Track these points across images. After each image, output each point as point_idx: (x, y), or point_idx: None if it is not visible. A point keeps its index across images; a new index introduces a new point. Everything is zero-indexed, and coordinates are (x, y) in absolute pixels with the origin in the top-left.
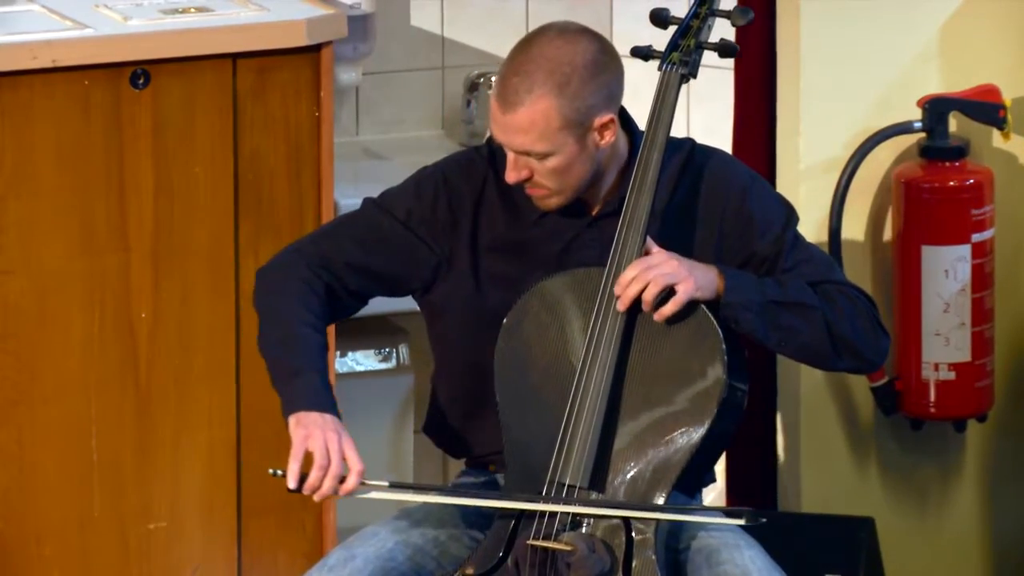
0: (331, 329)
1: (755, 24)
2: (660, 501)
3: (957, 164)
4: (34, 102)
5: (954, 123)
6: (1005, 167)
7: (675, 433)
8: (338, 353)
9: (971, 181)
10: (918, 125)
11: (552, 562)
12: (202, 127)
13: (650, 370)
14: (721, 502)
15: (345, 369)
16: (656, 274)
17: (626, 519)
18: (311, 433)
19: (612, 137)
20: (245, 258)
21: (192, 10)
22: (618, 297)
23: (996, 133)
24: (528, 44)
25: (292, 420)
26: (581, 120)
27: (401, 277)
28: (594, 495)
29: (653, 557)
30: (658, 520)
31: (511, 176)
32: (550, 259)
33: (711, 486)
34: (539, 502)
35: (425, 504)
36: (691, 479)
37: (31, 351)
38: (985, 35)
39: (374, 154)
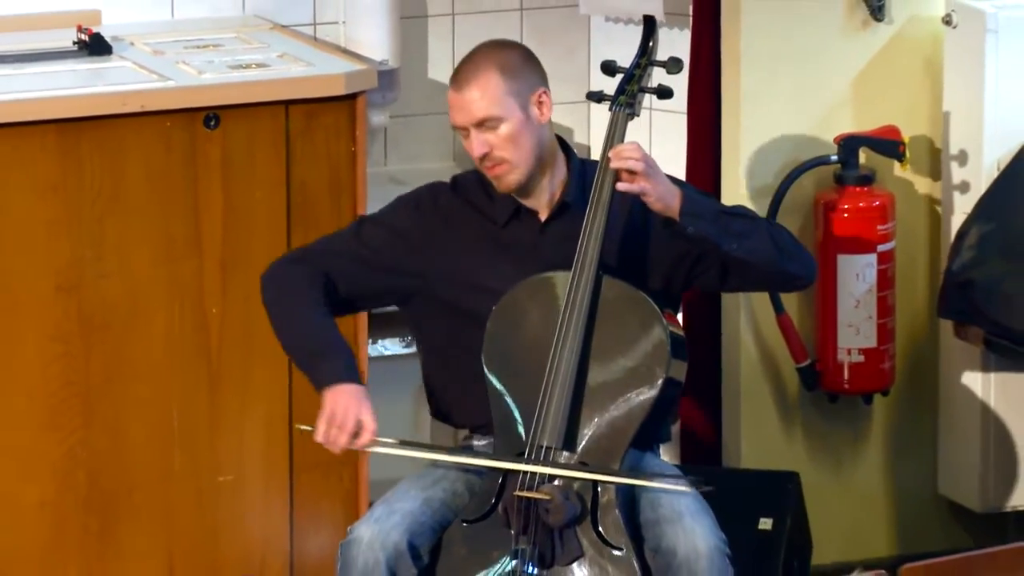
0: (364, 319)
1: (704, 75)
2: (620, 455)
3: (866, 189)
4: (126, 140)
5: (863, 156)
6: (904, 192)
7: (631, 397)
8: (370, 340)
9: (877, 203)
10: (834, 158)
11: (534, 508)
12: (261, 160)
13: (609, 351)
14: (676, 460)
15: (376, 354)
16: (644, 173)
17: (594, 472)
18: (337, 399)
19: (549, 113)
20: None
21: (253, 66)
22: (612, 161)
23: (896, 164)
24: (472, 52)
25: (327, 392)
26: (520, 90)
27: (383, 287)
28: (566, 454)
29: (615, 502)
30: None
31: (477, 150)
32: (515, 261)
33: (667, 444)
34: (513, 460)
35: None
36: (644, 438)
37: (124, 339)
38: (888, 85)
39: (399, 181)
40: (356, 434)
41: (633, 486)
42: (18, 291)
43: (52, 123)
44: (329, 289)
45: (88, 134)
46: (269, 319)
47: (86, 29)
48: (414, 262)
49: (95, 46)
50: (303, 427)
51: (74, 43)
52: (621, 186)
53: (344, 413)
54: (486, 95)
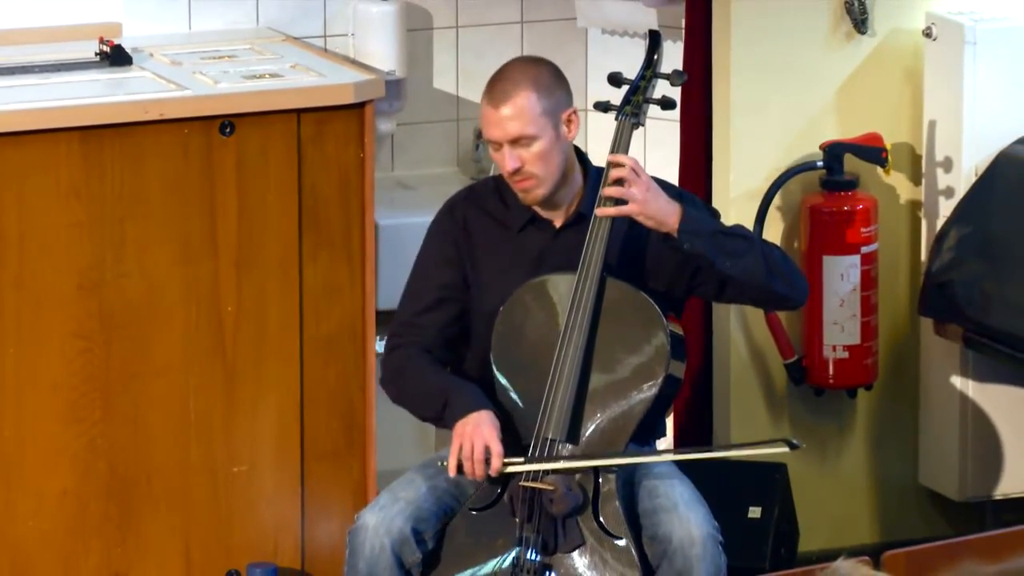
0: (371, 317)
1: (696, 85)
2: (621, 449)
3: (850, 193)
4: (145, 146)
5: (847, 162)
6: (887, 196)
7: (632, 394)
8: (378, 337)
9: (860, 207)
10: (820, 164)
11: (538, 498)
12: (274, 165)
13: (612, 350)
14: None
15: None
16: (635, 194)
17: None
18: (464, 432)
19: (576, 130)
20: (307, 265)
21: (267, 76)
22: (614, 169)
23: (879, 170)
24: (505, 66)
25: (455, 428)
26: (553, 110)
27: (463, 307)
28: (569, 446)
29: (615, 493)
30: (620, 466)
31: (509, 165)
32: (528, 265)
33: (662, 439)
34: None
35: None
36: (642, 432)
37: (143, 336)
38: (871, 95)
39: (405, 185)
40: (487, 460)
41: (633, 476)
42: (42, 290)
43: (76, 130)
44: (430, 351)
45: (110, 141)
46: (405, 407)
47: (108, 41)
48: (460, 271)
49: (116, 57)
50: (443, 462)
51: (96, 54)
52: (600, 211)
53: (471, 445)
54: (523, 114)
